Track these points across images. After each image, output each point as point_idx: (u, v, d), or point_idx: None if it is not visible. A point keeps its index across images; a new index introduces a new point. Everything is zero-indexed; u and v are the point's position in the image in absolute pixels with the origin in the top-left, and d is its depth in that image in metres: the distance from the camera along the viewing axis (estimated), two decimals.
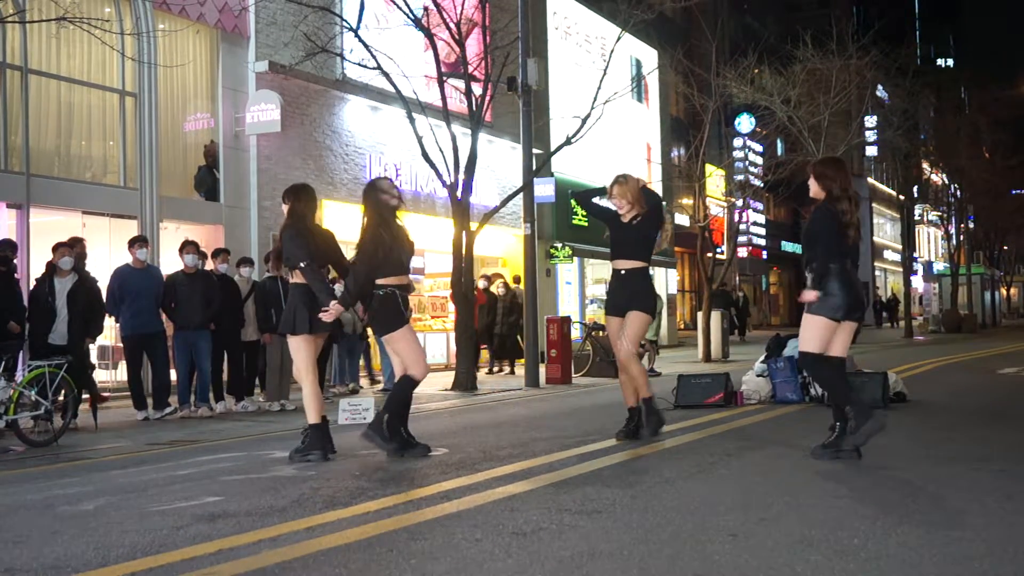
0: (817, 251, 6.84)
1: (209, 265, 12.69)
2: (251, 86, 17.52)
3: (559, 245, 26.53)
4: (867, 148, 44.85)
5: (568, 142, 17.34)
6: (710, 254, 25.84)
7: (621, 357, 8.17)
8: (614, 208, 8.27)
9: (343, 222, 19.33)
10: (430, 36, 15.97)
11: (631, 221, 8.13)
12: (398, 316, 7.44)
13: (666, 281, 31.75)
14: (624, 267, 8.15)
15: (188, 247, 12.23)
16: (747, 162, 39.76)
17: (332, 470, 6.99)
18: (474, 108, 16.26)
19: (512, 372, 19.11)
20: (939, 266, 58.54)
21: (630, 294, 8.11)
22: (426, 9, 16.55)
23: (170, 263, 13.66)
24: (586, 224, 28.24)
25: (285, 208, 7.79)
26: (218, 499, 5.96)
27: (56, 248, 11.05)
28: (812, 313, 6.89)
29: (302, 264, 7.42)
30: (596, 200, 8.54)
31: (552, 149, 19.10)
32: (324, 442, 7.50)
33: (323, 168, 19.05)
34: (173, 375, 12.34)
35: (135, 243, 11.88)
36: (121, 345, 12.44)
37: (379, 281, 7.42)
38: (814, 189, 7.02)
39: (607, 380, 17.49)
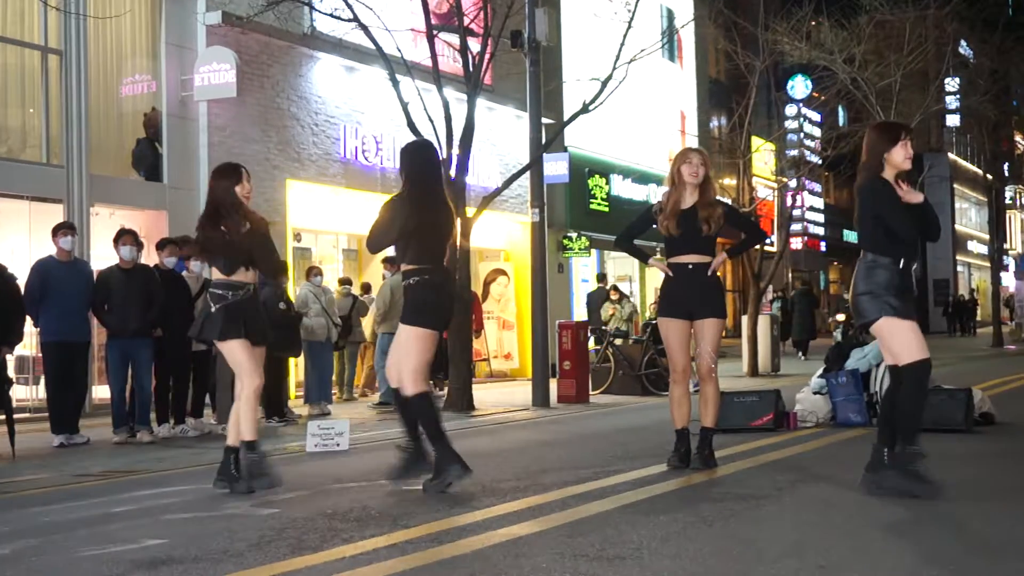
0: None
1: (153, 259, 12.71)
2: (200, 42, 17.52)
3: (574, 235, 26.54)
4: (948, 117, 44.78)
5: (585, 110, 17.32)
6: (757, 246, 25.81)
7: (704, 372, 8.27)
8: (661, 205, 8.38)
9: (311, 205, 19.41)
10: None
11: (693, 207, 8.18)
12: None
13: None
14: (691, 261, 8.24)
15: (124, 237, 12.23)
16: (802, 134, 39.72)
17: (300, 507, 7.01)
18: (471, 68, 16.26)
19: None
20: None
21: (699, 294, 8.21)
22: None
23: (103, 256, 13.66)
24: (606, 210, 28.28)
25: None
26: (161, 542, 5.97)
27: None
28: (898, 316, 6.81)
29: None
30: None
31: (566, 119, 19.09)
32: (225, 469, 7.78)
33: (287, 141, 19.06)
34: (97, 392, 12.34)
35: (59, 231, 11.88)
36: (41, 355, 12.44)
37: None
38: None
39: (631, 398, 17.51)
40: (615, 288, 23.45)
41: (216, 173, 8.08)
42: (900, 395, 6.92)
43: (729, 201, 28.56)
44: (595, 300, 22.74)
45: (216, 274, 7.94)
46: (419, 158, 7.98)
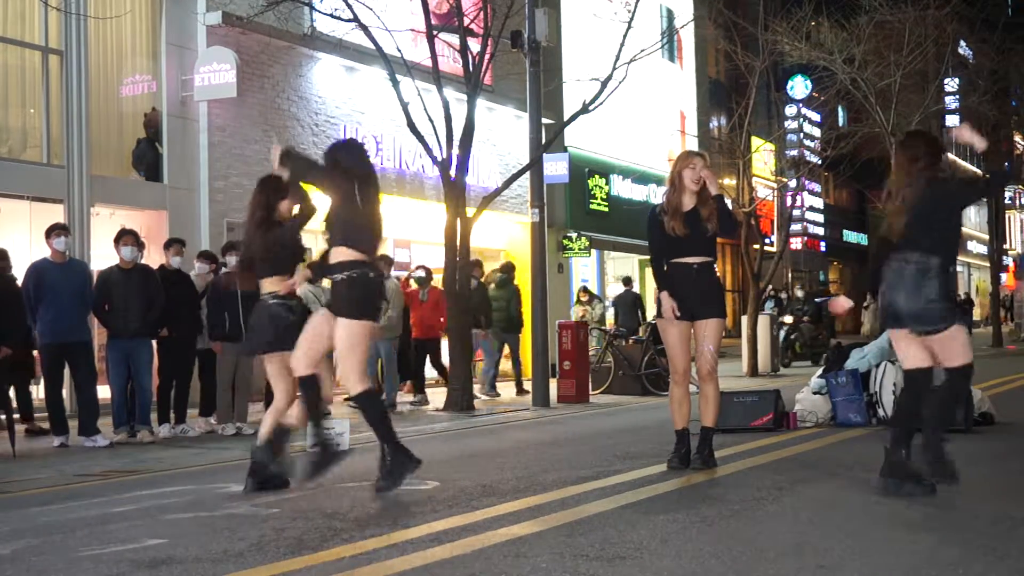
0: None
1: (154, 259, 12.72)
2: (201, 42, 17.51)
3: (574, 235, 26.53)
4: (947, 117, 44.76)
5: (585, 110, 17.31)
6: (757, 246, 25.80)
7: (705, 372, 8.31)
8: (667, 203, 8.39)
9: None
10: None
11: (695, 209, 8.19)
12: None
13: None
14: (695, 262, 8.27)
15: (125, 237, 12.23)
16: (802, 134, 39.69)
17: (299, 507, 7.01)
18: (471, 69, 16.26)
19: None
20: None
21: (701, 295, 8.26)
22: None
23: (104, 256, 13.66)
24: (606, 210, 28.29)
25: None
26: (162, 542, 5.97)
27: None
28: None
29: None
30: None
31: (566, 119, 19.09)
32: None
33: (288, 141, 19.01)
34: (103, 392, 12.33)
35: (52, 232, 11.86)
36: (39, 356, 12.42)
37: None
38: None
39: (632, 398, 17.51)
40: (584, 289, 23.54)
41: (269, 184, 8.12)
42: (941, 391, 7.05)
43: (729, 202, 28.64)
44: (623, 303, 22.99)
45: (270, 286, 8.01)
46: (356, 154, 7.84)
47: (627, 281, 24.09)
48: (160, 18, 17.30)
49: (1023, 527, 5.90)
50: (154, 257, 14.02)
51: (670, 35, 29.18)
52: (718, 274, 8.49)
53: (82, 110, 15.90)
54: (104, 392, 12.40)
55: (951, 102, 41.35)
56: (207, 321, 12.68)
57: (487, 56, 16.62)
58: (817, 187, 47.47)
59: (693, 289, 8.25)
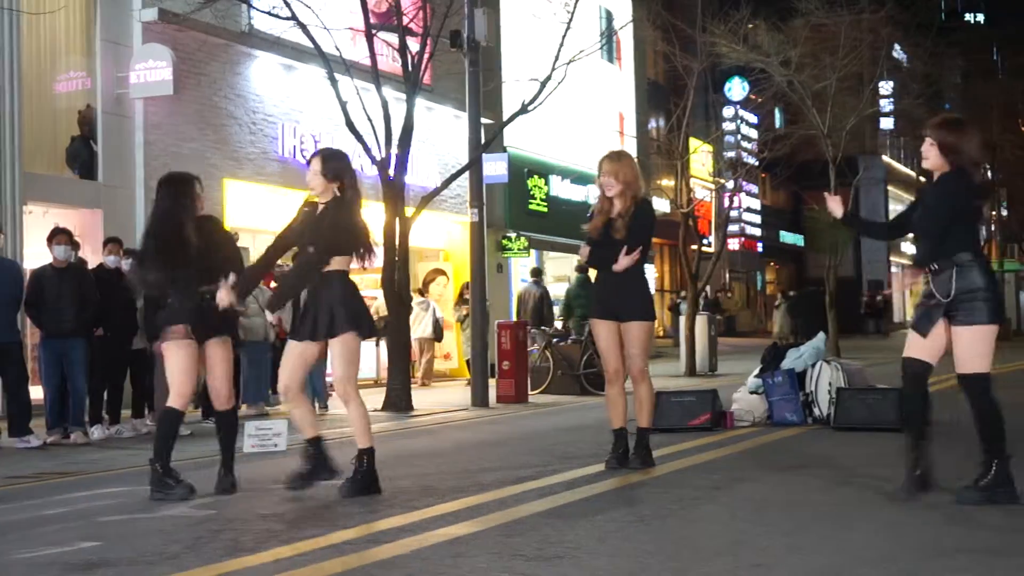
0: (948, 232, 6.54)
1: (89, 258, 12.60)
2: (136, 39, 17.35)
3: (513, 235, 26.57)
4: (882, 119, 45.34)
5: (524, 110, 17.33)
6: (695, 246, 26.01)
7: (635, 373, 8.31)
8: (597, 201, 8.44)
9: (249, 205, 19.27)
10: None
11: (619, 214, 8.23)
12: None
13: None
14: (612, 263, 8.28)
15: (59, 236, 12.11)
16: (739, 136, 40.07)
17: (235, 509, 6.96)
18: (410, 68, 16.24)
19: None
20: None
21: (621, 297, 8.27)
22: None
23: (36, 256, 13.50)
24: (545, 210, 28.34)
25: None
26: (95, 544, 5.91)
27: None
28: (984, 323, 6.49)
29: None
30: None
31: (505, 119, 19.12)
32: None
33: (225, 140, 18.92)
34: (36, 392, 12.18)
35: None
36: None
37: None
38: (935, 162, 6.69)
39: (571, 398, 17.57)
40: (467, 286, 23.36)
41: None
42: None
43: (667, 202, 28.79)
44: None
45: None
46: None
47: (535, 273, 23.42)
48: (95, 14, 17.11)
49: (955, 524, 5.98)
50: (89, 257, 13.86)
51: (609, 36, 29.32)
52: (646, 276, 8.53)
53: (15, 107, 15.67)
54: (36, 392, 12.25)
55: (886, 105, 41.93)
56: (144, 320, 12.54)
57: (426, 55, 16.61)
58: (754, 188, 47.94)
59: (613, 290, 8.29)
